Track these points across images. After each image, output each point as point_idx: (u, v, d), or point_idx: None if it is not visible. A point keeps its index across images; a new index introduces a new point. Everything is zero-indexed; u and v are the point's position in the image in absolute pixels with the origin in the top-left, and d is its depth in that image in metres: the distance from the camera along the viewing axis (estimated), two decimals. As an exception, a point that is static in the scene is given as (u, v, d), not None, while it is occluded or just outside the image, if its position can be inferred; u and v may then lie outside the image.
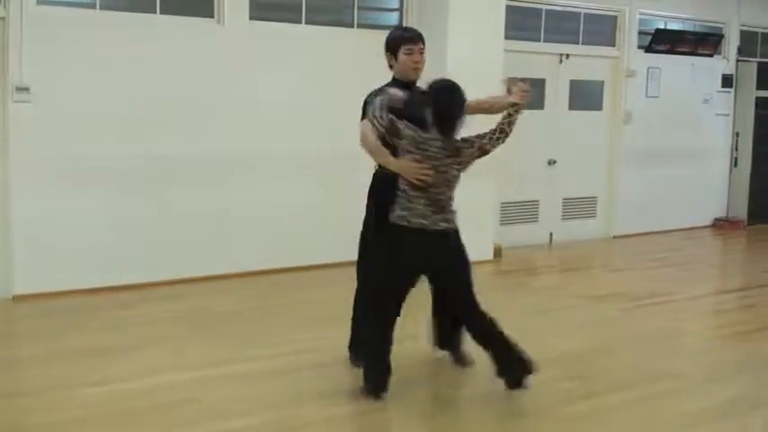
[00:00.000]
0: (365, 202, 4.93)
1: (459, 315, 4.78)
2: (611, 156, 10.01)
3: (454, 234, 4.54)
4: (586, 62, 9.61)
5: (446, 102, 4.43)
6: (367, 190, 4.92)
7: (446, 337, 5.10)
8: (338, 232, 7.35)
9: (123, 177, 6.81)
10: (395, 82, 4.83)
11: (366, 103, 4.69)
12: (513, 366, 4.57)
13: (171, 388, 4.67)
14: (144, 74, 6.81)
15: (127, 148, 6.79)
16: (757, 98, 10.95)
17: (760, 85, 10.91)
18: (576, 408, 4.59)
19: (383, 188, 4.64)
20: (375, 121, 4.40)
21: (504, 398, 4.62)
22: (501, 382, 4.60)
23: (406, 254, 4.44)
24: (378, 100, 4.46)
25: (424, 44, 4.91)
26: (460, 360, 5.11)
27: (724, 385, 5.02)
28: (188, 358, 5.21)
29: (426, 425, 4.47)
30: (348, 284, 5.08)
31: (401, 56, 4.83)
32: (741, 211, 11.08)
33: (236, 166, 7.30)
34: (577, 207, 9.83)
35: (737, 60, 10.98)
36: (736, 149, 11.07)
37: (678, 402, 4.70)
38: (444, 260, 4.50)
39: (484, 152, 4.55)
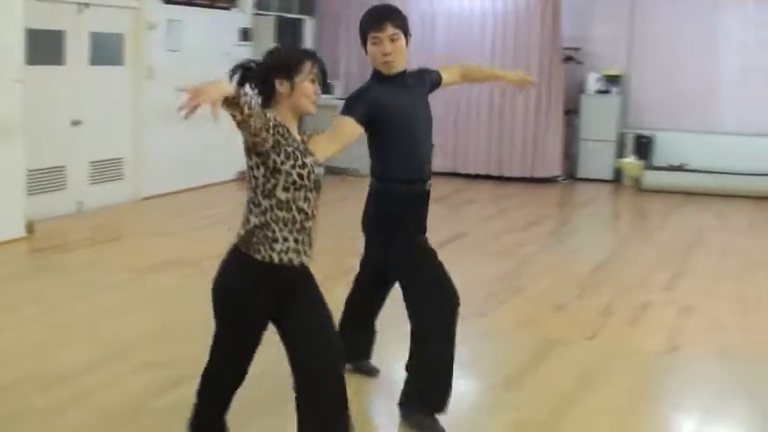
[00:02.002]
0: None
1: None
2: (136, 113, 9.44)
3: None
4: (106, 13, 8.88)
5: None
6: None
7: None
8: None
9: None
10: (376, 75, 3.91)
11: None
12: None
13: None
14: None
15: None
16: (275, 52, 11.15)
17: (278, 39, 11.10)
18: (163, 400, 4.15)
19: None
20: None
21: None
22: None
23: None
24: None
25: (398, 25, 3.83)
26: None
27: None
28: None
29: None
30: None
31: (369, 47, 3.85)
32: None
33: None
34: (105, 170, 9.13)
35: (255, 14, 11.04)
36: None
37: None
38: None
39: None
